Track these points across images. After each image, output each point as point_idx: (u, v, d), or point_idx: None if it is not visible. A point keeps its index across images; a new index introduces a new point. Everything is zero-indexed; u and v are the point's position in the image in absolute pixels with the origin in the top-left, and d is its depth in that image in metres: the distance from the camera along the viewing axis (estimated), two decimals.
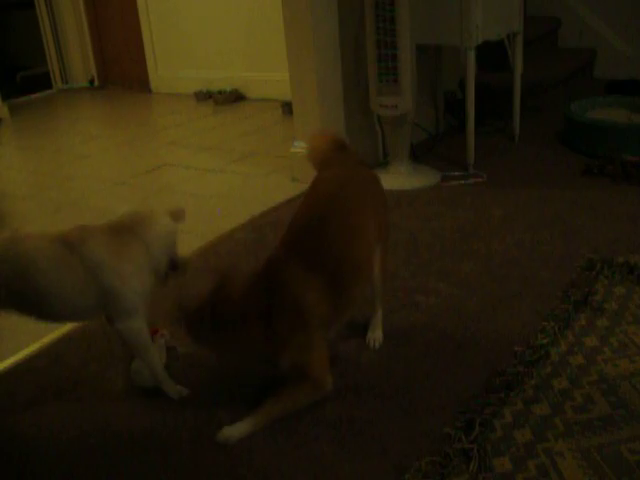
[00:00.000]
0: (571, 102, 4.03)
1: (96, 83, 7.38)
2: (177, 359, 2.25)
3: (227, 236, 3.18)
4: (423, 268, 2.71)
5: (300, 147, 3.60)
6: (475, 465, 1.69)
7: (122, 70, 7.20)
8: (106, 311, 2.00)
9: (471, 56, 3.45)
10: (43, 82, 7.38)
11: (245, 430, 1.89)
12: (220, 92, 6.04)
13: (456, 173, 3.64)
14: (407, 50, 3.34)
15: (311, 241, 1.90)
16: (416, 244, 2.92)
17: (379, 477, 1.71)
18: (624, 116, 3.91)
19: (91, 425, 2.02)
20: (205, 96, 6.17)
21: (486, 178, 3.56)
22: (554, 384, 1.97)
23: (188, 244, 2.99)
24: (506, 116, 4.16)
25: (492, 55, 4.05)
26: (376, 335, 2.26)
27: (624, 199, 3.20)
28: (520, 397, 1.92)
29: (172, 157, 4.62)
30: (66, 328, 2.50)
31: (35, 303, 1.94)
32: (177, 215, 2.07)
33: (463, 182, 3.55)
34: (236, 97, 6.04)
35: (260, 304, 1.86)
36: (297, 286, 1.86)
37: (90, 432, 1.99)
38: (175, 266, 2.08)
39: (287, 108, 5.15)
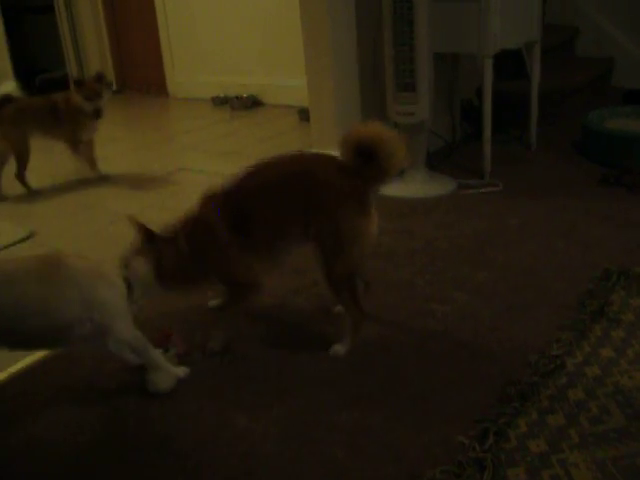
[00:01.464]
0: (589, 111, 4.02)
1: (114, 87, 7.42)
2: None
3: None
4: (438, 276, 2.71)
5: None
6: (489, 475, 1.69)
7: (140, 74, 7.24)
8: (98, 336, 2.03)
9: (489, 64, 3.45)
10: (62, 85, 7.42)
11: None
12: (237, 97, 6.07)
13: (472, 181, 3.64)
14: (425, 58, 3.35)
15: (237, 192, 2.21)
16: (432, 252, 2.92)
17: None
18: None
19: (106, 427, 2.03)
20: (222, 101, 6.20)
21: (502, 187, 3.55)
22: (569, 395, 1.96)
23: None
24: (523, 125, 4.16)
25: (509, 63, 4.04)
26: (336, 348, 2.27)
27: None
28: (535, 407, 1.92)
29: (189, 161, 4.64)
30: None
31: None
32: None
33: (479, 191, 3.54)
34: (253, 103, 6.07)
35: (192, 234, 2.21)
36: (212, 216, 2.19)
37: (105, 433, 2.00)
38: None
39: (304, 114, 5.16)
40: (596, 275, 2.60)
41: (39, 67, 7.54)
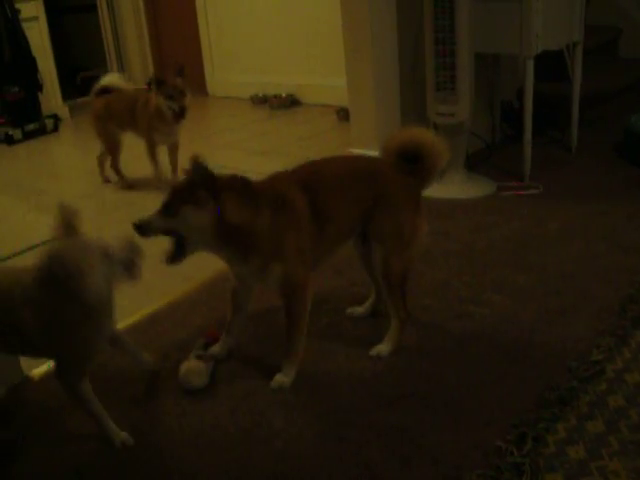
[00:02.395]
0: (631, 114, 3.96)
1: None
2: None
3: None
4: (477, 278, 2.70)
5: (357, 153, 3.61)
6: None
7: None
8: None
9: (530, 65, 3.42)
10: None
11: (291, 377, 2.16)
12: (275, 96, 6.09)
13: (512, 184, 3.61)
14: (466, 58, 3.33)
15: (313, 179, 2.16)
16: (470, 254, 2.91)
17: None
18: None
19: (143, 424, 2.06)
20: (261, 100, 6.22)
21: (542, 189, 3.52)
22: (609, 401, 1.94)
23: None
24: (563, 127, 4.11)
25: (550, 64, 4.00)
26: (380, 348, 2.27)
27: None
28: (574, 413, 1.90)
29: (227, 160, 4.66)
30: (121, 325, 2.55)
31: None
32: None
33: (519, 193, 3.51)
34: (291, 102, 6.08)
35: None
36: (298, 198, 2.09)
37: (142, 430, 2.02)
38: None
39: (342, 114, 5.17)
40: (637, 280, 2.56)
41: (81, 65, 7.63)
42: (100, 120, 4.24)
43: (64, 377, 1.93)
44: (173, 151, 4.28)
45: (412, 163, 2.19)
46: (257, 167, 4.40)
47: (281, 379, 2.15)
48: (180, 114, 3.96)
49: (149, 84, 4.24)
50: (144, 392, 2.20)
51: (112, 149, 4.31)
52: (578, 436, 1.82)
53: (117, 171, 4.36)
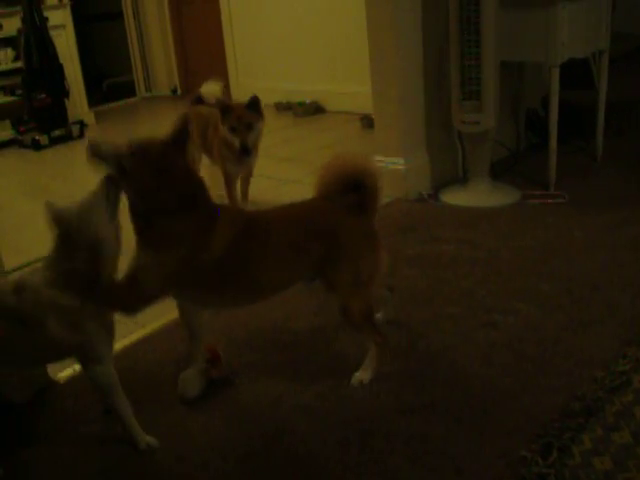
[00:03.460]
0: None
1: (179, 92, 7.55)
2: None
3: None
4: (502, 287, 2.69)
5: (380, 161, 3.62)
6: None
7: (204, 80, 7.33)
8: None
9: (556, 74, 3.40)
10: (128, 90, 7.60)
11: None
12: (300, 104, 6.10)
13: (536, 192, 3.59)
14: (491, 66, 3.32)
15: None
16: (495, 262, 2.90)
17: None
18: None
19: (166, 427, 2.07)
20: (285, 107, 6.24)
21: (567, 198, 3.49)
22: (636, 412, 1.92)
23: None
24: (588, 135, 4.09)
25: (576, 72, 3.98)
26: (360, 376, 2.18)
27: None
28: (600, 424, 1.89)
29: None
30: (147, 330, 2.58)
31: None
32: None
33: (544, 202, 3.50)
34: (315, 109, 6.09)
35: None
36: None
37: (166, 436, 2.04)
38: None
39: (366, 121, 5.17)
40: None
41: (106, 72, 7.72)
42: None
43: (95, 368, 1.94)
44: (245, 179, 3.87)
45: (347, 193, 2.06)
46: (281, 174, 4.43)
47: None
48: (243, 151, 3.43)
49: (196, 100, 3.99)
50: (169, 398, 2.21)
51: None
52: (604, 447, 1.80)
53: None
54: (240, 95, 6.88)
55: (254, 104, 3.42)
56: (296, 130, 5.71)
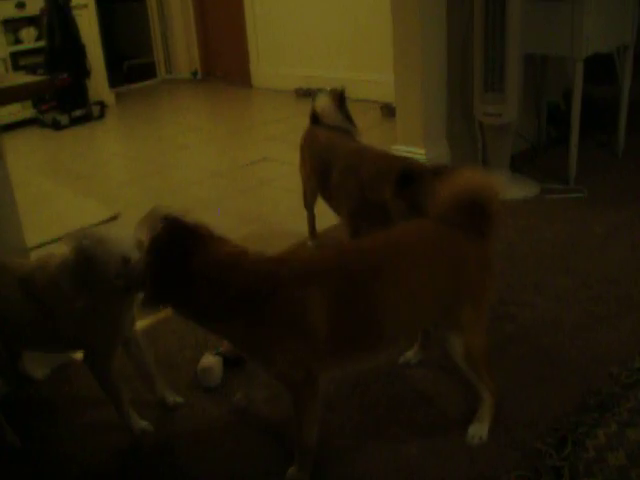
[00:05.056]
0: None
1: (199, 75, 7.56)
2: None
3: (322, 235, 3.21)
4: (519, 280, 2.69)
5: (401, 150, 3.61)
6: None
7: (225, 64, 7.35)
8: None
9: (580, 68, 3.39)
10: (148, 72, 7.60)
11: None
12: (320, 90, 6.07)
13: (556, 186, 3.58)
14: (515, 59, 3.31)
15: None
16: (513, 255, 2.90)
17: None
18: None
19: (184, 409, 2.10)
20: (305, 93, 6.22)
21: (587, 193, 3.48)
22: None
23: (280, 241, 3.06)
24: (610, 131, 4.07)
25: (599, 67, 3.96)
26: (476, 430, 1.89)
27: None
28: (615, 419, 1.90)
29: (271, 152, 4.69)
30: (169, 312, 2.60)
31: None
32: None
33: (564, 196, 3.49)
34: None
35: None
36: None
37: (181, 417, 2.06)
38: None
39: (386, 110, 5.16)
40: None
41: (127, 53, 7.72)
42: (301, 153, 3.09)
43: (94, 363, 1.98)
44: None
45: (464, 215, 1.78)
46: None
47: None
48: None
49: (312, 119, 3.13)
50: (187, 383, 2.24)
51: (305, 196, 3.15)
52: (618, 442, 1.81)
53: (309, 222, 3.21)
54: (260, 80, 6.90)
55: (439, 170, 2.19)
56: None
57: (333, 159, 2.70)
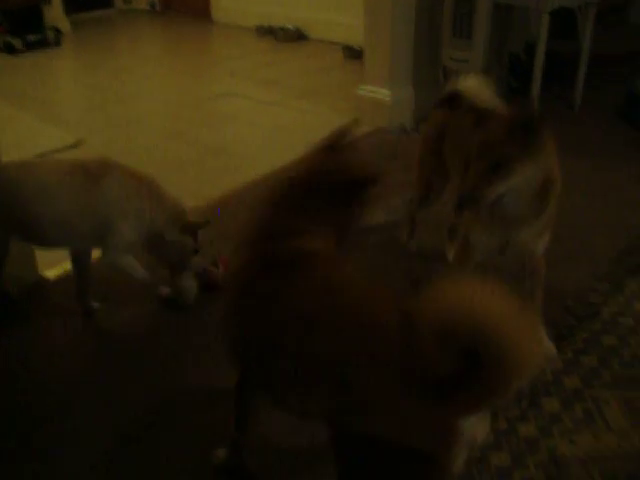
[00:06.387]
0: (636, 79, 4.03)
1: (157, 7, 7.41)
2: None
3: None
4: None
5: (367, 90, 3.66)
6: (526, 402, 1.82)
7: None
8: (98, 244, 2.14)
9: (545, 20, 3.47)
10: (104, 0, 7.42)
11: None
12: (282, 29, 6.03)
13: None
14: (485, 6, 3.37)
15: None
16: None
17: None
18: None
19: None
20: (266, 31, 6.16)
21: None
22: (603, 340, 2.08)
23: (249, 172, 3.11)
24: (568, 84, 4.17)
25: (561, 21, 4.04)
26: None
27: None
28: (570, 347, 2.04)
29: (233, 87, 4.68)
30: None
31: (35, 228, 2.06)
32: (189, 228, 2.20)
33: None
34: (298, 36, 6.03)
35: None
36: None
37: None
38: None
39: (348, 52, 5.18)
40: (633, 233, 2.68)
41: None
42: (426, 147, 2.45)
43: (114, 256, 2.13)
44: None
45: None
46: (263, 96, 4.45)
47: None
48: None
49: (448, 100, 2.37)
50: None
51: (419, 195, 2.54)
52: (573, 368, 1.95)
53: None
54: (220, 15, 6.80)
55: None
56: (277, 55, 5.66)
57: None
